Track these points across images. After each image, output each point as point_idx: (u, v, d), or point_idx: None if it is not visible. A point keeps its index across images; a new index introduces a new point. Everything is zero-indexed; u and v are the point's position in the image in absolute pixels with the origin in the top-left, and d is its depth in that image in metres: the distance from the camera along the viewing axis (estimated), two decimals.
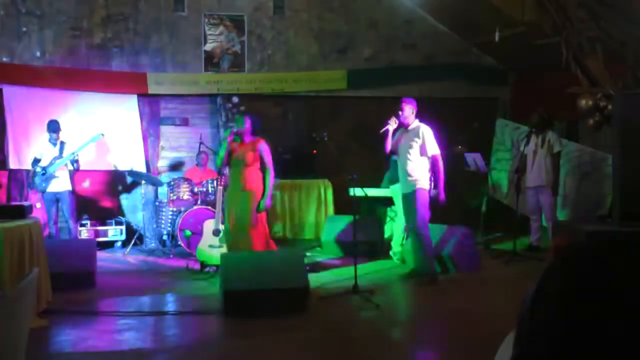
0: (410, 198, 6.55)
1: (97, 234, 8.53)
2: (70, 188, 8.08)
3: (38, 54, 8.92)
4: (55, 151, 7.91)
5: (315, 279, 6.38)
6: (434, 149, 6.51)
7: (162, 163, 9.49)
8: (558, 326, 0.69)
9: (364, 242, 7.85)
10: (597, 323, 0.67)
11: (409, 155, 6.57)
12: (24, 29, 8.87)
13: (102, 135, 8.31)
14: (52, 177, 7.83)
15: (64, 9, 8.97)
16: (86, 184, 9.12)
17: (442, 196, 6.50)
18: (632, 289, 0.69)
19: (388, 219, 8.31)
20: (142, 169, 9.09)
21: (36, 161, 7.88)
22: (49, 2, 8.91)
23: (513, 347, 0.76)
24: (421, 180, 6.51)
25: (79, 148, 7.99)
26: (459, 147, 8.91)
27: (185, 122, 9.46)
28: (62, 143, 7.97)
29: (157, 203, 8.80)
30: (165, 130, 9.44)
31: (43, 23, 8.92)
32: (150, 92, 9.14)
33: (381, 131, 7.19)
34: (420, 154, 6.52)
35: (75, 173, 8.19)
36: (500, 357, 1.02)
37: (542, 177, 7.85)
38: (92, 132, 8.33)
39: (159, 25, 9.25)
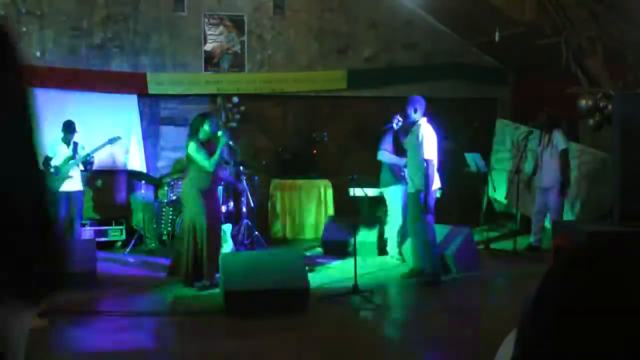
0: (413, 198, 6.53)
1: (97, 234, 8.52)
2: (82, 188, 8.08)
3: (38, 54, 8.92)
4: (68, 151, 7.89)
5: (315, 279, 6.38)
6: (428, 152, 6.41)
7: (162, 163, 9.48)
8: (560, 328, 0.69)
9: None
10: (599, 325, 0.67)
11: (413, 155, 6.56)
12: (24, 29, 8.86)
13: (120, 138, 8.24)
14: (66, 177, 7.82)
15: (64, 9, 8.96)
16: (97, 183, 9.09)
17: (423, 199, 6.39)
18: (635, 291, 0.68)
19: (388, 219, 8.30)
20: (142, 169, 9.08)
21: (47, 159, 7.83)
22: (49, 2, 8.90)
23: (514, 347, 0.76)
24: (422, 181, 6.48)
25: (95, 149, 7.94)
26: (452, 142, 8.85)
27: (185, 122, 9.46)
28: (75, 143, 7.94)
29: (157, 203, 8.79)
30: (165, 130, 9.43)
31: (43, 23, 8.91)
32: (150, 92, 9.13)
33: (384, 128, 7.21)
34: (420, 153, 6.50)
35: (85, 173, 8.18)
36: (500, 357, 1.02)
37: (550, 178, 7.79)
38: (107, 134, 8.22)
39: (159, 25, 9.25)
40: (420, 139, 6.44)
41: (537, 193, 7.97)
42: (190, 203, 6.38)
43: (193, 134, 6.45)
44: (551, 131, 7.84)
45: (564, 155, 7.69)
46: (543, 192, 7.90)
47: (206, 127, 6.40)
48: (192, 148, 6.35)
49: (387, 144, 7.54)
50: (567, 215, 8.00)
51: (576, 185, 8.05)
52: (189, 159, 6.41)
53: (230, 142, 6.58)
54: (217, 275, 6.43)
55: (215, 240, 6.36)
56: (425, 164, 6.39)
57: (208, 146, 6.40)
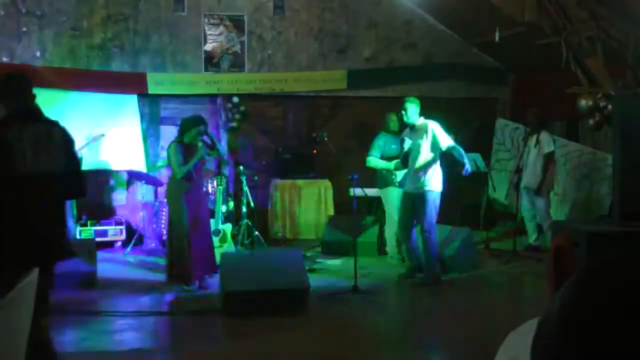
0: (419, 199, 6.51)
1: (97, 234, 8.52)
2: None
3: (38, 54, 8.92)
4: None
5: (315, 279, 6.38)
6: (447, 140, 6.53)
7: (162, 163, 9.48)
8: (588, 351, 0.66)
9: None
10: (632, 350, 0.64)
11: (418, 155, 6.55)
12: (24, 29, 8.86)
13: (104, 135, 8.34)
14: None
15: (64, 9, 8.96)
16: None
17: (468, 167, 6.58)
18: None
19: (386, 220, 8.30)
20: (142, 169, 9.09)
21: None
22: (49, 2, 8.90)
23: None
24: (431, 181, 6.49)
25: (80, 147, 8.02)
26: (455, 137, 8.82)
27: None
28: None
29: (157, 203, 8.79)
30: (165, 130, 9.43)
31: (43, 23, 8.91)
32: (150, 92, 9.12)
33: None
34: (429, 151, 6.51)
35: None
36: (500, 357, 1.02)
37: (534, 179, 7.86)
38: (93, 132, 8.36)
39: (159, 25, 9.25)
40: (431, 134, 6.47)
41: (524, 193, 8.01)
42: (173, 204, 6.37)
43: (180, 134, 6.44)
44: (539, 132, 7.89)
45: (548, 157, 7.76)
46: (528, 192, 7.96)
47: (193, 132, 6.36)
48: (171, 150, 6.33)
49: (374, 149, 7.61)
50: (561, 216, 8.03)
51: (576, 185, 8.07)
52: (168, 160, 6.41)
53: (206, 157, 6.51)
54: (207, 276, 6.44)
55: (199, 241, 6.34)
56: (449, 150, 6.51)
57: (190, 149, 6.35)
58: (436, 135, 6.49)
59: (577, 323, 0.67)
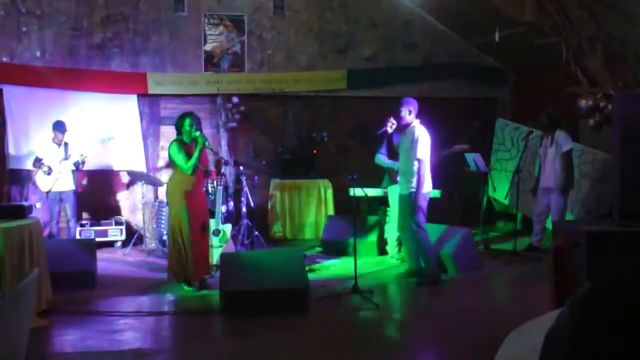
0: (406, 200, 6.52)
1: (97, 234, 8.52)
2: (74, 187, 8.13)
3: (38, 54, 8.92)
4: (60, 152, 7.94)
5: (315, 279, 6.38)
6: (421, 153, 6.41)
7: (162, 163, 9.48)
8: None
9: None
10: None
11: (406, 157, 6.55)
12: (24, 29, 8.86)
13: (112, 138, 8.34)
14: (58, 176, 7.86)
15: (64, 9, 8.97)
16: (85, 183, 9.13)
17: (418, 201, 6.40)
18: None
19: (388, 219, 8.31)
20: (142, 169, 9.09)
21: (37, 160, 7.89)
22: (49, 2, 8.91)
23: None
24: (415, 182, 6.47)
25: (86, 149, 8.03)
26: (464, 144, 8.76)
27: None
28: (65, 144, 8.01)
29: (157, 203, 8.80)
30: (165, 130, 9.43)
31: (43, 23, 8.91)
32: (150, 92, 9.13)
33: (379, 132, 7.18)
34: (411, 154, 6.49)
35: (77, 173, 8.25)
36: (500, 357, 1.02)
37: (552, 179, 7.78)
38: (100, 134, 8.38)
39: (159, 25, 9.25)
40: (415, 139, 6.43)
41: (540, 193, 7.97)
42: (174, 203, 6.38)
43: (178, 134, 6.47)
44: (553, 132, 7.83)
45: (568, 155, 7.68)
46: (545, 192, 7.89)
47: (186, 125, 6.36)
48: (173, 149, 6.34)
49: (383, 147, 7.62)
50: (568, 216, 7.99)
51: (576, 185, 8.05)
52: (171, 159, 6.44)
53: (207, 143, 6.49)
54: (206, 276, 6.45)
55: (199, 241, 6.35)
56: (417, 163, 6.40)
57: (190, 148, 6.36)
58: (417, 142, 6.42)
59: (588, 340, 0.67)
